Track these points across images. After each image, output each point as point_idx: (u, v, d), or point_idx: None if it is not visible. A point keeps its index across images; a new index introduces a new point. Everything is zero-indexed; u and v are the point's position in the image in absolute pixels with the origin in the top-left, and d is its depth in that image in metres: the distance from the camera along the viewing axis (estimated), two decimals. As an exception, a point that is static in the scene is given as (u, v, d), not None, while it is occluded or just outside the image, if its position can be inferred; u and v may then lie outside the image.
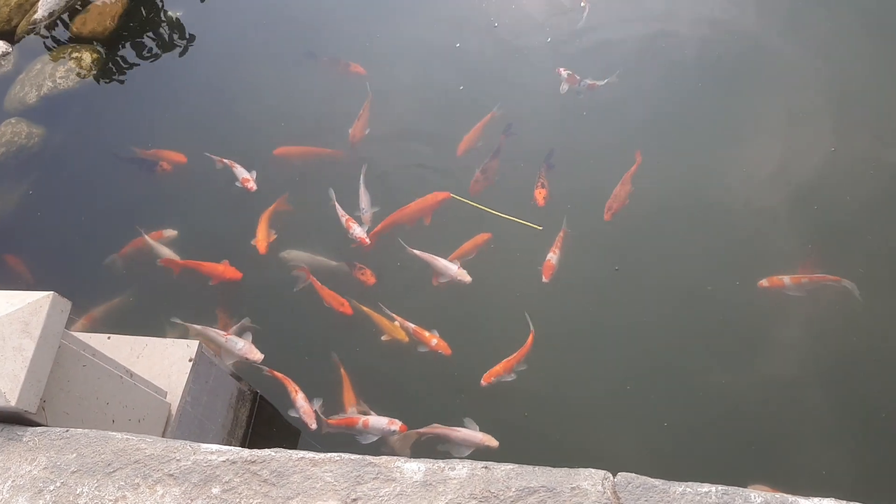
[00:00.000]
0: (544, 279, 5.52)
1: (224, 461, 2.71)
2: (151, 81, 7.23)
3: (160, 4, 7.65)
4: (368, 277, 5.72)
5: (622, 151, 6.10)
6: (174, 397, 4.16)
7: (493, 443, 4.93)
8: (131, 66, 7.31)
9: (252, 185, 6.22)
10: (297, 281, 5.73)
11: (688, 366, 5.19)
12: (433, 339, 5.35)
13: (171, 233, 6.20)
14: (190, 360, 4.25)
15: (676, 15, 6.82)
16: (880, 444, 4.79)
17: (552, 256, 5.60)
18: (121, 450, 2.87)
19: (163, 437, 4.06)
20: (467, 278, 5.55)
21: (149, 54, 7.35)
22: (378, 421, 5.08)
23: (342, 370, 5.31)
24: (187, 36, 7.42)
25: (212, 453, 2.75)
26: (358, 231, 5.87)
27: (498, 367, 5.16)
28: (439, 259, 5.66)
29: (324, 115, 6.68)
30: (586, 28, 6.80)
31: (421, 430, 5.00)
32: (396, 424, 5.07)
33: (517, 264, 5.70)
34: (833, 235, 5.57)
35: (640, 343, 5.31)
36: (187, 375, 4.21)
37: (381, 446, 5.04)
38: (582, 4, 6.88)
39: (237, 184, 6.26)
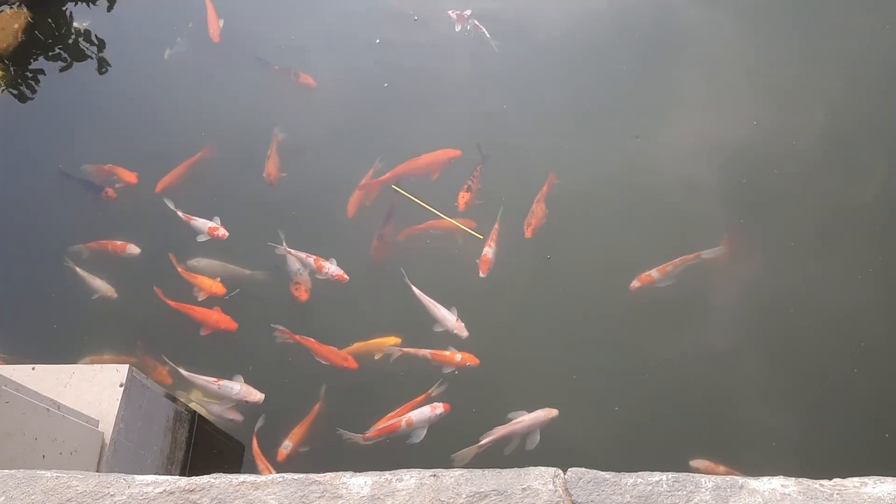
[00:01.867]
0: (481, 274, 5.47)
1: (161, 492, 2.59)
2: (65, 96, 6.95)
3: (68, 16, 7.35)
4: (302, 293, 5.55)
5: (549, 137, 6.11)
6: (107, 425, 3.99)
7: (554, 412, 4.93)
8: (42, 80, 7.01)
9: (223, 233, 5.83)
10: (277, 338, 5.44)
11: (633, 347, 5.24)
12: (456, 356, 5.22)
13: (133, 249, 5.89)
14: (121, 386, 4.09)
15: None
16: (825, 412, 4.91)
17: (488, 250, 5.56)
18: (51, 489, 2.72)
19: (98, 468, 3.90)
20: (464, 333, 5.31)
21: (60, 68, 7.06)
22: (421, 413, 4.99)
23: (318, 405, 5.18)
24: (97, 46, 7.15)
25: (147, 485, 2.62)
26: (333, 269, 5.61)
27: (381, 424, 5.04)
28: (440, 307, 5.42)
29: (245, 122, 6.50)
30: (502, 15, 6.77)
31: (482, 442, 4.89)
32: (439, 408, 5.00)
33: (454, 259, 5.64)
34: (763, 207, 5.68)
35: (582, 330, 5.32)
36: (119, 401, 4.04)
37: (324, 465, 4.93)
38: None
39: (201, 238, 5.86)
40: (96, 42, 7.17)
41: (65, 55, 7.13)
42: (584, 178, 5.86)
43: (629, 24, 6.59)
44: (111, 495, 2.62)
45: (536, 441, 4.88)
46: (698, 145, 5.95)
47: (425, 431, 4.98)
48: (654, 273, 5.35)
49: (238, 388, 5.16)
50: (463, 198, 5.79)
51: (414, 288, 5.47)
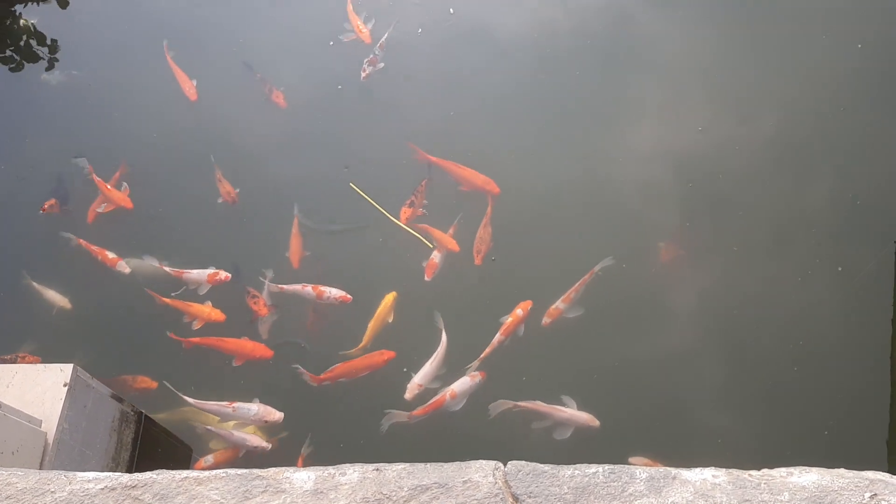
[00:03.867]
0: (426, 278, 5.51)
1: (102, 489, 2.58)
2: (15, 96, 6.80)
3: (16, 13, 7.20)
4: (261, 308, 5.43)
5: (500, 142, 6.17)
6: (50, 425, 3.95)
7: (596, 423, 4.94)
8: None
9: (224, 275, 5.52)
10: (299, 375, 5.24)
11: (581, 348, 5.31)
12: (517, 311, 5.30)
13: (124, 268, 5.61)
14: (65, 385, 4.04)
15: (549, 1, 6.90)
16: (767, 409, 5.05)
17: (436, 255, 5.58)
18: (-11, 487, 2.69)
19: (40, 468, 3.85)
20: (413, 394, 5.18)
21: (10, 68, 6.92)
22: (462, 384, 5.06)
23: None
24: (48, 45, 7.02)
25: (89, 482, 2.61)
26: (335, 292, 5.44)
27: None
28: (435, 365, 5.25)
29: (197, 127, 6.43)
30: (457, 16, 6.79)
31: (521, 403, 4.97)
32: (478, 377, 5.08)
33: (402, 263, 5.67)
34: (709, 210, 5.80)
35: (530, 332, 5.37)
36: (63, 401, 3.99)
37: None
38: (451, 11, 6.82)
39: (202, 289, 5.53)
40: (47, 42, 7.04)
41: (14, 56, 7.00)
42: (533, 182, 5.92)
43: (583, 31, 6.67)
44: (52, 492, 2.60)
45: (566, 436, 4.91)
46: (647, 148, 6.05)
47: (465, 400, 5.08)
48: (559, 305, 5.36)
49: (255, 409, 4.99)
50: (405, 213, 5.77)
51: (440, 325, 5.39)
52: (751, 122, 6.13)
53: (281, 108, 6.36)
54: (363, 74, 6.37)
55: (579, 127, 6.22)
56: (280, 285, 5.56)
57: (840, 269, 5.41)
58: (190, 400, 5.08)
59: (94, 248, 5.75)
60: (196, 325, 5.38)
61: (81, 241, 5.77)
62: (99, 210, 5.89)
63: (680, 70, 6.47)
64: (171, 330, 5.42)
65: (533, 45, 6.65)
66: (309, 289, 5.49)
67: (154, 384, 5.22)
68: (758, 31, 6.59)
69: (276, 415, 5.01)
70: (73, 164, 6.03)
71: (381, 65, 6.41)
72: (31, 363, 4.96)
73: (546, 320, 5.35)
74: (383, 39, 6.47)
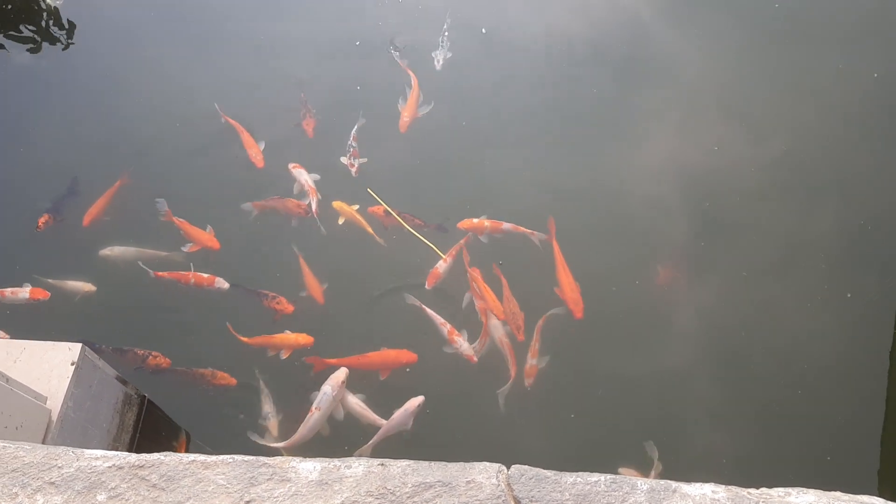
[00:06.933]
0: (427, 286, 5.50)
1: (110, 467, 2.61)
2: (31, 79, 6.82)
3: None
4: (285, 306, 5.35)
5: (515, 155, 6.21)
6: (55, 403, 3.98)
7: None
8: (6, 63, 6.91)
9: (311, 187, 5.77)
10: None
11: (587, 364, 5.32)
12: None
13: (222, 284, 5.51)
14: (72, 364, 4.07)
15: (568, 14, 6.91)
16: (771, 432, 5.06)
17: (442, 265, 5.58)
18: (-4, 459, 2.72)
19: (43, 444, 3.88)
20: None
21: (28, 49, 6.95)
22: (495, 327, 5.21)
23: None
24: (66, 26, 7.05)
25: (96, 459, 2.64)
26: (465, 347, 5.24)
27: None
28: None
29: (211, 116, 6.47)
30: (475, 32, 6.80)
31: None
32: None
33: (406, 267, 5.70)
34: (722, 230, 5.81)
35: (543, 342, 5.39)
36: (69, 380, 4.03)
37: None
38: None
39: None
40: (65, 23, 7.07)
41: (35, 36, 7.03)
42: (545, 197, 5.93)
43: (603, 47, 6.68)
44: (59, 467, 2.63)
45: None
46: (663, 168, 6.07)
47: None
48: (531, 361, 5.24)
49: (329, 391, 4.91)
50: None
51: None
52: (764, 143, 6.15)
53: (307, 136, 6.23)
54: (353, 171, 6.05)
55: (595, 143, 6.23)
56: (424, 306, 5.45)
57: (849, 295, 5.43)
58: (278, 445, 4.94)
59: (183, 274, 5.56)
60: (284, 355, 5.25)
61: (160, 273, 5.59)
62: (184, 249, 5.71)
63: (696, 89, 6.49)
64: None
65: (548, 59, 6.66)
66: (445, 329, 5.34)
67: (234, 381, 5.16)
68: (775, 53, 6.62)
69: (343, 391, 5.02)
70: (154, 204, 5.91)
71: (364, 159, 6.12)
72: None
73: (528, 381, 5.21)
74: (354, 131, 6.20)
